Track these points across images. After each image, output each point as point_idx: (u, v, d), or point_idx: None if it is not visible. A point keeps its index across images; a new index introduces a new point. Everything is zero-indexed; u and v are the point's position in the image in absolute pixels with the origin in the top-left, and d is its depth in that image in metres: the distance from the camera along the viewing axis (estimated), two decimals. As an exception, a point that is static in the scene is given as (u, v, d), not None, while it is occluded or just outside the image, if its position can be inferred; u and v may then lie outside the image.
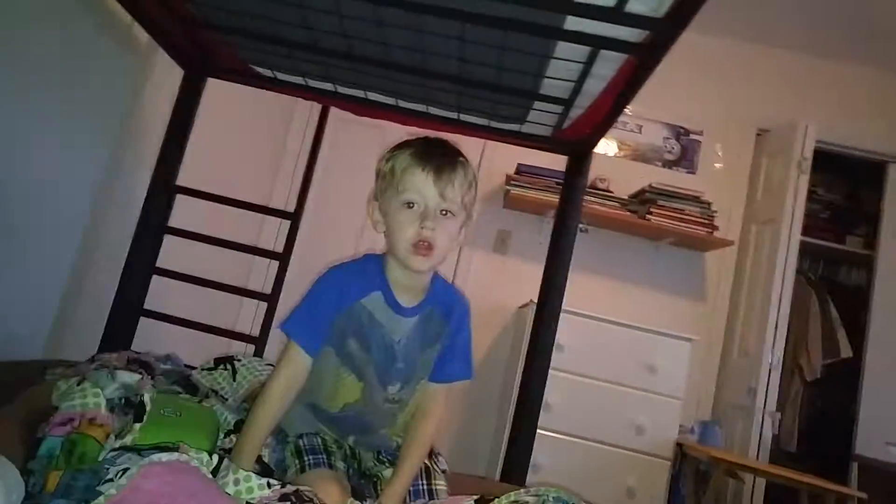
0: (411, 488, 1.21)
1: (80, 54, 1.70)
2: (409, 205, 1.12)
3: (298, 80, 1.90)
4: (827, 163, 3.61)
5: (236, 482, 0.97)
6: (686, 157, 3.70)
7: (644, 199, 3.37)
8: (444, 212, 1.13)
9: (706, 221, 3.34)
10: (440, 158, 1.14)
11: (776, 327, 3.16)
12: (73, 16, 1.63)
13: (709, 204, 3.37)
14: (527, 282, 3.05)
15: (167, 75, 1.99)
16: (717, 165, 3.71)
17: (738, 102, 3.72)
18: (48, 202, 1.70)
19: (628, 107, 1.56)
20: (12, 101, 1.49)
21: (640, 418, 2.86)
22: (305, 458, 1.19)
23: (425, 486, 1.24)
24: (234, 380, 1.54)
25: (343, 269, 1.19)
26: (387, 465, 1.28)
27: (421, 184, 1.11)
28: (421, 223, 1.10)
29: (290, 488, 0.99)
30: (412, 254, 1.11)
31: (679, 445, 2.91)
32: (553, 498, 1.05)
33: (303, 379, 1.14)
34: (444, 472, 1.35)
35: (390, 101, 1.89)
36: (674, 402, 2.88)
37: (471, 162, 1.21)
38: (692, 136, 3.72)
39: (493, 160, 3.61)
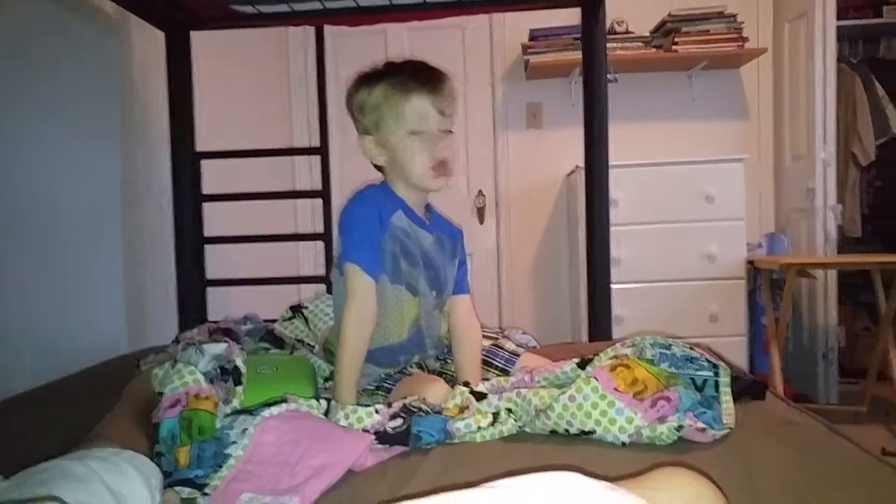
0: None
1: (56, 46, 1.64)
2: (415, 132, 1.16)
3: (283, 7, 1.81)
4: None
5: (346, 417, 1.00)
6: (700, -26, 3.43)
7: (667, 31, 3.19)
8: (445, 130, 1.18)
9: (734, 36, 3.17)
10: (432, 79, 1.16)
11: (825, 121, 3.06)
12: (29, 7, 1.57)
13: (734, 16, 3.17)
14: (570, 149, 2.99)
15: (151, 43, 1.93)
16: (733, -28, 3.44)
17: None
18: (79, 203, 1.70)
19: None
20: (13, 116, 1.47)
21: (708, 248, 2.90)
22: (385, 384, 1.22)
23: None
24: (310, 328, 1.57)
25: (367, 194, 1.22)
26: (448, 361, 1.34)
27: (423, 109, 1.15)
28: (434, 146, 1.15)
29: (396, 406, 1.02)
30: (432, 177, 1.17)
31: (750, 263, 2.97)
32: (650, 344, 1.09)
33: (373, 304, 1.17)
34: (533, 348, 1.42)
35: (384, 1, 1.79)
36: (737, 223, 2.92)
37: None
38: (700, -51, 3.43)
39: (504, 34, 3.45)
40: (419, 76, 1.16)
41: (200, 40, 1.97)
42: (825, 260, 2.93)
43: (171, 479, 0.84)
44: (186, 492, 0.83)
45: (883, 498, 0.77)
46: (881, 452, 2.22)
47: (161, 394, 0.98)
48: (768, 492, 0.77)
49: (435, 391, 1.10)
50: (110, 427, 0.94)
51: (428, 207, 1.30)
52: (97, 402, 1.04)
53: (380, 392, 1.22)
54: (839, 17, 3.10)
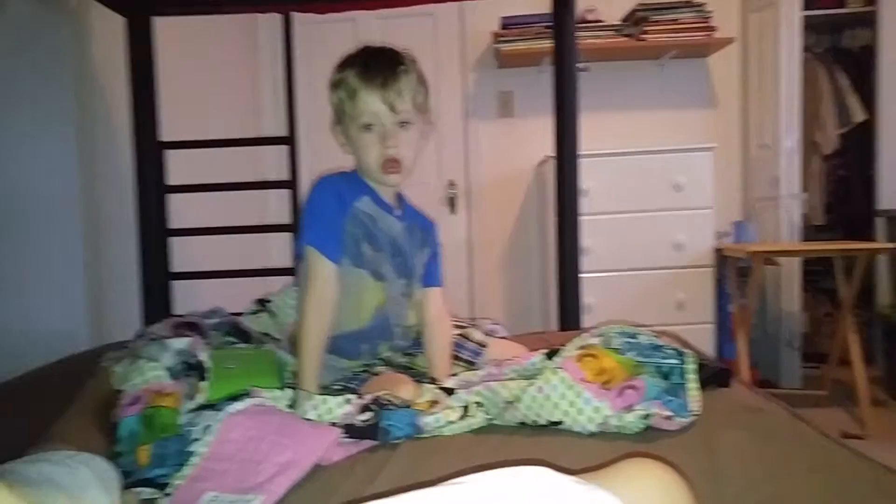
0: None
1: (7, 31, 1.58)
2: (367, 127, 1.15)
3: (248, -6, 1.77)
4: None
5: (314, 407, 0.99)
6: (669, -37, 3.45)
7: (637, 20, 3.21)
8: (400, 123, 1.15)
9: (703, 24, 3.21)
10: (381, 73, 1.15)
11: (790, 111, 3.10)
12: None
13: (702, 5, 3.20)
14: (541, 138, 2.99)
15: (112, 29, 1.87)
16: (701, -39, 3.46)
17: None
18: (32, 194, 1.65)
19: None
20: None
21: (676, 236, 2.94)
22: (351, 385, 1.20)
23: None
24: (275, 322, 1.54)
25: (330, 179, 1.22)
26: (416, 355, 1.33)
27: (370, 105, 1.14)
28: (383, 143, 1.14)
29: (368, 398, 1.01)
30: (383, 173, 1.16)
31: (718, 251, 3.00)
32: (616, 333, 1.11)
33: (334, 289, 1.16)
34: (503, 338, 1.42)
35: (350, -12, 1.76)
36: (705, 212, 2.95)
37: (415, 59, 1.22)
38: (670, -62, 3.44)
39: (475, 22, 3.44)
40: (369, 71, 1.15)
41: (165, 26, 1.92)
42: (791, 247, 2.98)
43: (132, 480, 0.82)
44: (147, 492, 0.81)
45: (843, 480, 0.78)
46: (841, 436, 2.28)
47: (121, 391, 0.96)
48: (731, 477, 0.78)
49: (404, 392, 1.09)
50: (67, 428, 0.92)
51: (400, 197, 1.28)
52: (55, 402, 1.01)
53: (345, 393, 1.20)
54: (805, 7, 3.15)
